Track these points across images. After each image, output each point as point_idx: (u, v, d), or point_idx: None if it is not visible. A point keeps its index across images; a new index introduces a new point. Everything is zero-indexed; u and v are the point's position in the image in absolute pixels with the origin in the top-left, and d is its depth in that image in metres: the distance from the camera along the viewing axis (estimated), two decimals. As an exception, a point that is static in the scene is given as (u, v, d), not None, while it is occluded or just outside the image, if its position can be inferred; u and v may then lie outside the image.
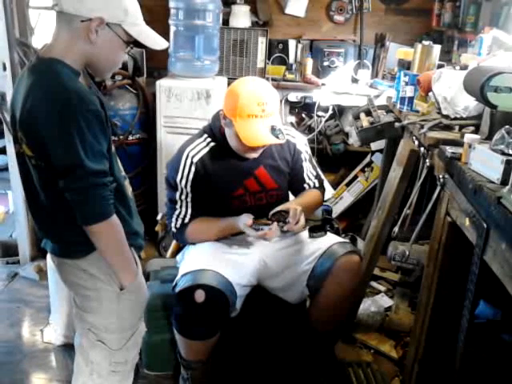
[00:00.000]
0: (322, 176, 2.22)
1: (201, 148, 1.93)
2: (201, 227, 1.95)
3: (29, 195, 1.42)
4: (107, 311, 1.43)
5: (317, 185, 2.10)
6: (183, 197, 1.93)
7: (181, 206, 1.94)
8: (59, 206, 1.32)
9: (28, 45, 2.83)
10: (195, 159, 1.91)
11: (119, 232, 1.35)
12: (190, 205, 1.93)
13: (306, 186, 2.08)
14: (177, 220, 1.95)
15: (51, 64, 1.27)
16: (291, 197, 2.13)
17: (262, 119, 1.78)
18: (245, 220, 1.82)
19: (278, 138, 1.79)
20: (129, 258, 1.41)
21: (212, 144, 1.95)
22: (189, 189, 1.91)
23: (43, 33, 2.97)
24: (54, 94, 1.23)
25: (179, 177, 1.90)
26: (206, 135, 1.97)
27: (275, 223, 1.81)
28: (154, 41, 1.38)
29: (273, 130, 1.78)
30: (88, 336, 1.46)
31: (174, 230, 1.97)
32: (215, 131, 1.94)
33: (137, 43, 1.36)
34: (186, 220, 1.94)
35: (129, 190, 1.50)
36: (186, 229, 1.95)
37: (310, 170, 2.08)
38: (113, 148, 1.39)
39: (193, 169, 1.90)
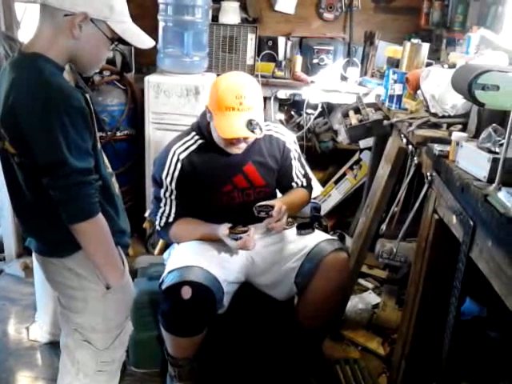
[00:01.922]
0: (311, 175, 2.22)
1: (188, 146, 1.93)
2: (184, 230, 1.95)
3: (13, 193, 1.39)
4: (93, 311, 1.41)
5: (304, 184, 2.10)
6: (167, 194, 1.92)
7: (165, 204, 1.93)
8: (44, 203, 1.30)
9: (14, 38, 2.79)
10: (181, 156, 1.90)
11: (105, 231, 1.32)
12: (174, 203, 1.93)
13: (293, 184, 2.08)
14: (161, 218, 1.94)
15: (34, 59, 1.24)
16: (279, 194, 2.13)
17: (240, 112, 1.77)
18: (221, 230, 1.83)
19: (253, 132, 1.78)
20: (115, 257, 1.39)
21: (200, 141, 1.94)
22: (173, 186, 1.90)
23: (29, 26, 2.93)
24: (37, 89, 1.20)
25: (164, 174, 1.90)
26: (193, 133, 1.96)
27: (252, 228, 1.81)
28: (140, 39, 1.36)
29: (250, 124, 1.77)
30: (74, 336, 1.44)
31: (158, 228, 1.97)
32: (203, 128, 1.93)
33: (122, 41, 1.34)
34: (170, 219, 1.94)
35: (116, 187, 1.48)
36: (169, 229, 1.95)
37: (298, 168, 2.08)
38: (99, 145, 1.37)
39: (178, 166, 1.89)
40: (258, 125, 1.79)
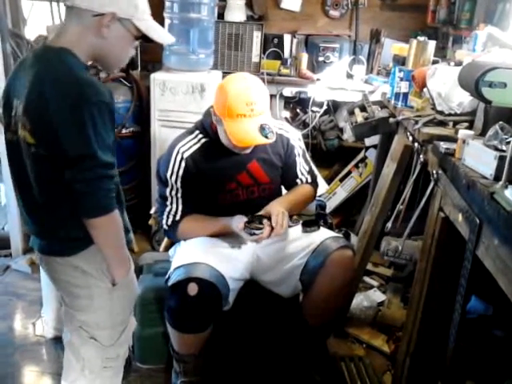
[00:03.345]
0: (316, 171, 2.22)
1: (192, 144, 1.93)
2: (193, 226, 1.95)
3: (21, 188, 1.39)
4: (99, 308, 1.42)
5: (309, 180, 2.10)
6: (173, 193, 1.92)
7: (171, 203, 1.93)
8: (53, 200, 1.31)
9: (21, 36, 2.81)
10: (185, 155, 1.90)
11: (119, 226, 1.34)
12: (180, 201, 1.93)
13: (298, 181, 2.08)
14: (168, 217, 1.94)
15: (62, 53, 1.27)
16: (284, 191, 2.12)
17: (251, 118, 1.78)
18: (237, 222, 1.83)
19: (267, 137, 1.79)
20: (126, 253, 1.40)
21: (203, 140, 1.94)
22: (179, 184, 1.91)
23: (36, 23, 2.94)
24: (67, 83, 1.22)
25: (169, 173, 1.90)
26: (197, 131, 1.96)
27: (267, 227, 1.80)
28: (161, 36, 1.41)
29: (262, 129, 1.78)
30: (79, 333, 1.45)
31: (165, 227, 1.96)
32: (207, 127, 1.93)
33: (145, 38, 1.38)
34: (177, 217, 1.93)
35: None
36: (177, 226, 1.94)
37: (302, 165, 2.08)
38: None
39: (183, 164, 1.89)
40: (270, 129, 1.79)
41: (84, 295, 1.41)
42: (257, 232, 1.79)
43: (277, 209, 1.84)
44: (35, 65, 1.27)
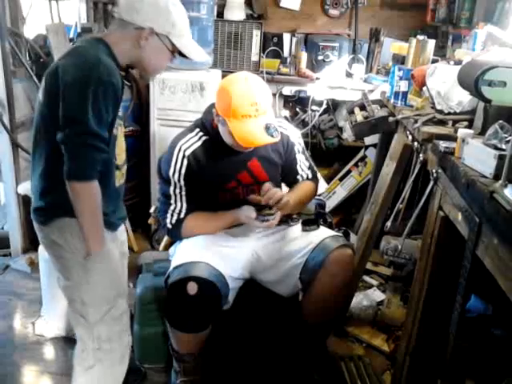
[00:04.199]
0: (315, 168, 2.22)
1: (193, 142, 1.93)
2: (198, 222, 1.94)
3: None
4: (77, 281, 1.52)
5: (310, 176, 2.10)
6: (177, 191, 1.92)
7: (175, 201, 1.92)
8: (41, 159, 1.45)
9: (20, 34, 2.80)
10: (187, 152, 1.90)
11: (97, 198, 1.43)
12: (184, 199, 1.92)
13: (299, 177, 2.08)
14: (172, 216, 1.93)
15: (99, 41, 1.46)
16: (284, 188, 2.12)
17: (256, 118, 1.77)
18: (247, 213, 1.84)
19: (272, 136, 1.79)
20: (100, 226, 1.48)
21: (204, 138, 1.94)
22: (182, 182, 1.90)
23: (35, 22, 2.94)
24: (86, 57, 1.38)
25: (171, 171, 1.89)
26: (197, 129, 1.96)
27: (278, 212, 1.85)
28: (196, 53, 1.57)
29: (267, 128, 1.78)
30: (73, 312, 1.56)
31: (169, 226, 1.95)
32: (207, 125, 1.93)
33: (181, 53, 1.55)
34: (182, 215, 1.93)
35: (117, 178, 1.61)
36: (181, 224, 1.93)
37: (303, 161, 2.08)
38: (115, 131, 1.49)
39: (185, 162, 1.89)
40: (275, 128, 1.80)
41: (63, 265, 1.52)
42: (270, 218, 1.84)
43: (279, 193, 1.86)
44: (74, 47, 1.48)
